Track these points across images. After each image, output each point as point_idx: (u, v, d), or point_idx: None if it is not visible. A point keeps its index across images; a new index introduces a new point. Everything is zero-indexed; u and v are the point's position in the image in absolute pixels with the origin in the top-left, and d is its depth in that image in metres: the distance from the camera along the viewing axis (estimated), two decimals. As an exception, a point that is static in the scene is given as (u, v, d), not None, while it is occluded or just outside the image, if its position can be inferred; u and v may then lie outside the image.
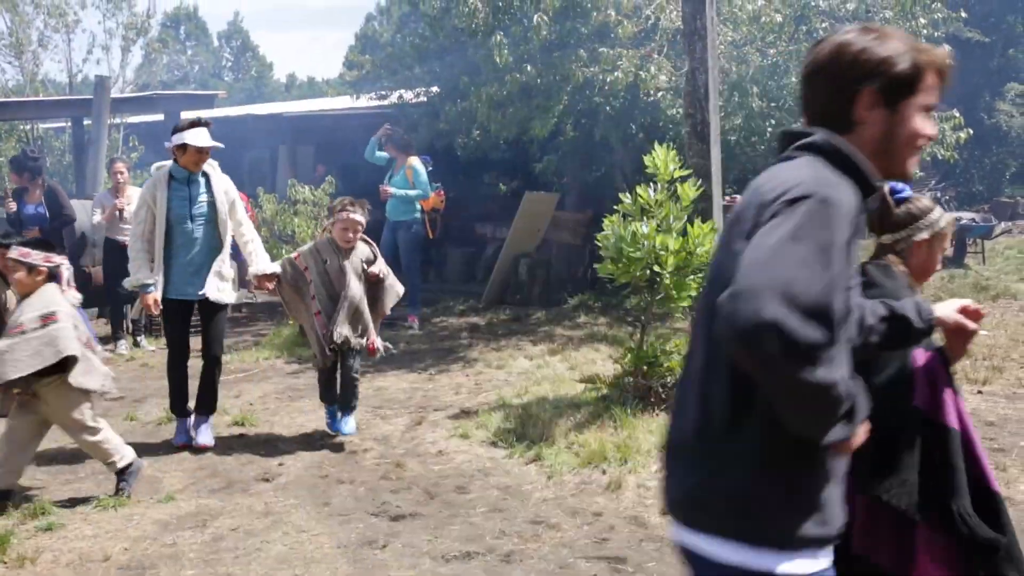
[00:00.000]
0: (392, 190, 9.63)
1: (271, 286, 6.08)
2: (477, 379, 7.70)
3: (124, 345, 9.36)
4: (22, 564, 4.23)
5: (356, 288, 5.90)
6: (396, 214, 9.73)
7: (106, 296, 9.48)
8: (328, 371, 6.05)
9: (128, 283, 6.03)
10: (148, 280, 5.91)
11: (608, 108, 9.87)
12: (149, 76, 18.28)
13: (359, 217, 5.93)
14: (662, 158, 5.89)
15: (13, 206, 9.06)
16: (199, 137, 5.82)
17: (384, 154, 9.93)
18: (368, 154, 9.95)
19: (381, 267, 6.13)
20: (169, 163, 5.94)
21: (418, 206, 9.87)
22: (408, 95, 12.32)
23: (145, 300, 5.90)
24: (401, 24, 34.79)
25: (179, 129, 5.87)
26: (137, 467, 5.18)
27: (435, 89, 11.81)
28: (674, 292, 5.87)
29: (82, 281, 9.24)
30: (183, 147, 5.83)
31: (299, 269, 6.00)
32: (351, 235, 5.90)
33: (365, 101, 13.16)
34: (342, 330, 5.83)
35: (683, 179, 5.96)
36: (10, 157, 9.31)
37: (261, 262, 6.11)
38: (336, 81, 49.67)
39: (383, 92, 12.82)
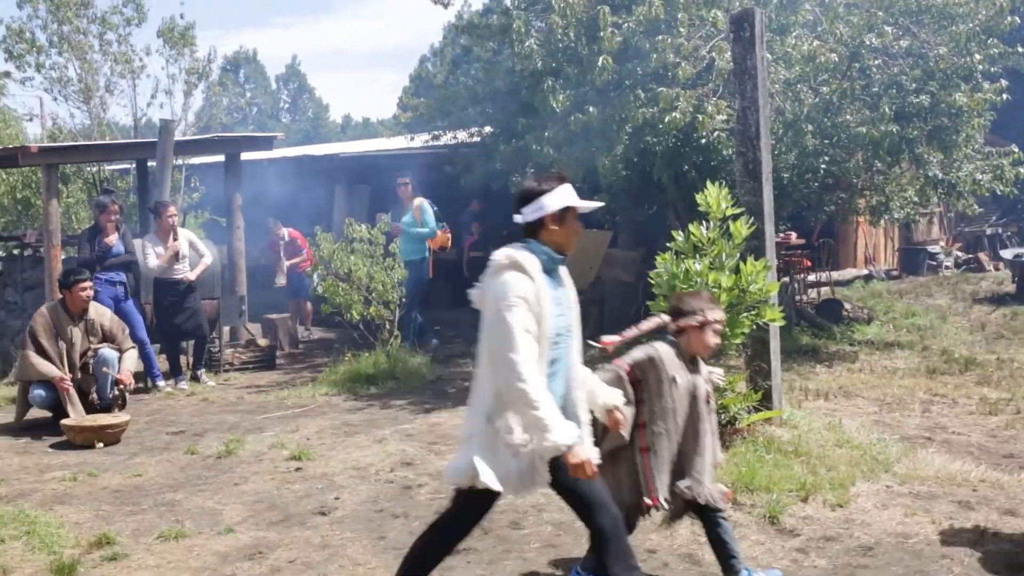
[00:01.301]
0: (402, 227, 10.61)
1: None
2: (530, 416, 7.72)
3: (183, 381, 9.57)
4: (88, 592, 4.35)
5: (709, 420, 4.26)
6: (407, 253, 10.46)
7: (162, 332, 9.69)
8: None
9: (546, 442, 3.44)
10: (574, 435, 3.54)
11: (659, 148, 9.93)
12: (210, 118, 18.75)
13: (721, 314, 4.41)
14: (715, 196, 5.92)
15: (111, 240, 9.28)
16: (574, 196, 3.71)
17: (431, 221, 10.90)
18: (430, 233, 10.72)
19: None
20: (522, 249, 3.57)
21: (426, 245, 10.80)
22: (462, 135, 12.51)
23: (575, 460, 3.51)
24: (454, 65, 35.31)
25: (537, 192, 3.62)
26: None
27: (488, 129, 11.97)
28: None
29: (145, 317, 9.54)
30: (563, 214, 3.63)
31: (626, 383, 4.29)
32: (717, 341, 4.32)
33: (419, 142, 13.38)
34: (706, 486, 4.16)
35: (735, 217, 5.99)
36: (96, 199, 9.63)
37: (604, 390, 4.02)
38: (390, 122, 50.50)
39: (437, 132, 13.03)
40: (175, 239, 9.48)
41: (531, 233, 3.61)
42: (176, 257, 9.44)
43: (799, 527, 5.00)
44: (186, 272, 9.57)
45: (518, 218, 3.62)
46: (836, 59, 9.25)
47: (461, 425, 3.81)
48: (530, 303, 3.44)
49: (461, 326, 13.42)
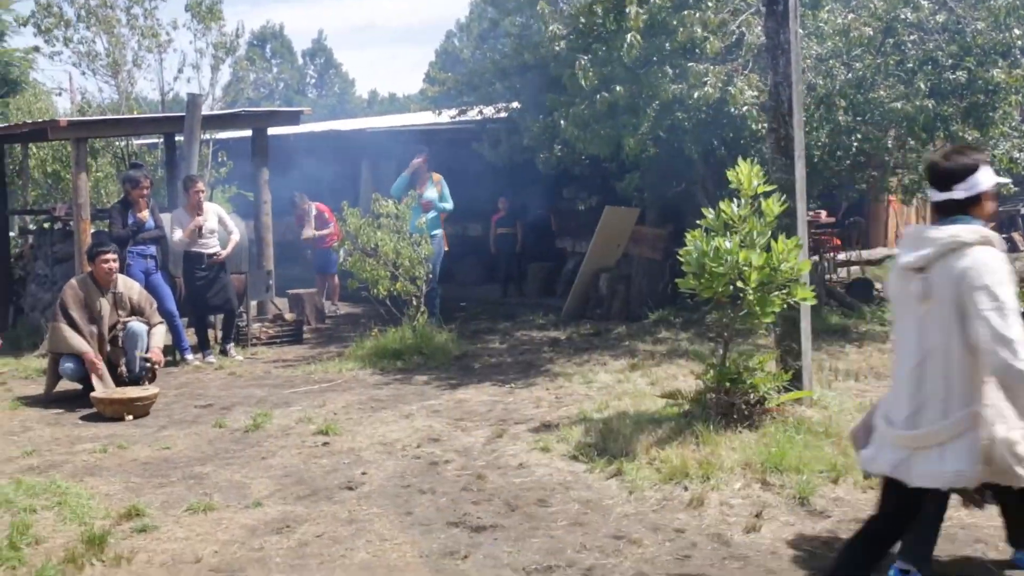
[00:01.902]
0: (432, 203, 10.55)
1: None
2: (558, 393, 7.71)
3: (211, 355, 9.62)
4: (118, 563, 4.38)
5: None
6: (431, 227, 10.33)
7: (191, 306, 9.75)
8: None
9: None
10: None
11: (689, 124, 9.82)
12: (237, 93, 18.74)
13: None
14: (746, 173, 5.84)
15: (144, 216, 9.34)
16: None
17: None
18: (399, 191, 10.39)
19: None
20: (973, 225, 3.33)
21: (439, 219, 10.79)
22: (489, 110, 12.42)
23: None
24: (481, 40, 35.10)
25: (971, 168, 3.37)
26: None
27: (516, 104, 11.88)
28: (757, 308, 5.79)
29: (174, 290, 9.59)
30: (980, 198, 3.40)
31: None
32: None
33: (446, 117, 13.32)
34: None
35: (767, 194, 5.90)
36: (127, 173, 9.65)
37: None
38: (416, 97, 50.37)
39: (464, 108, 12.95)
40: (201, 213, 9.51)
41: (961, 209, 3.38)
42: (200, 232, 9.47)
43: (829, 508, 4.95)
44: (215, 246, 9.60)
45: (941, 196, 3.40)
46: (870, 33, 9.09)
47: (917, 424, 3.33)
48: (1013, 281, 3.24)
49: (487, 302, 13.42)
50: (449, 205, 10.81)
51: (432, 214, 10.55)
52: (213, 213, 9.73)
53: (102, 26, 15.77)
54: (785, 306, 5.97)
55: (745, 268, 5.67)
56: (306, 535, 4.75)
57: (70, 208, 10.92)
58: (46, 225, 12.48)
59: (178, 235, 9.44)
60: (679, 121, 9.66)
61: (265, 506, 5.19)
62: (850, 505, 4.98)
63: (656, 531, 4.73)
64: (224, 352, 9.78)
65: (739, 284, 5.76)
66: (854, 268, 13.47)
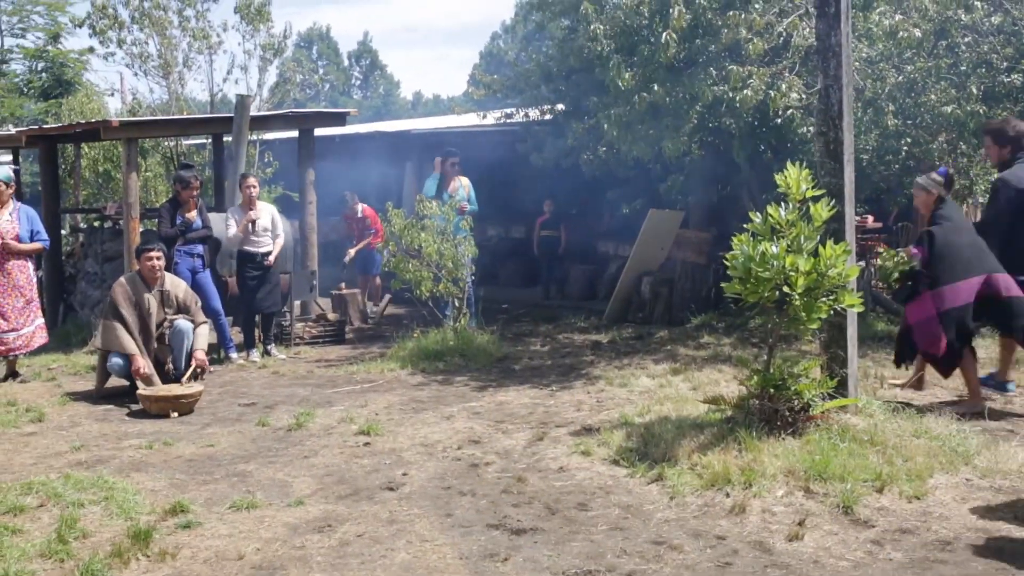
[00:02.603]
0: (467, 206, 10.51)
1: None
2: (599, 396, 7.68)
3: (256, 353, 9.72)
4: (163, 559, 4.44)
5: None
6: (459, 230, 10.20)
7: (240, 305, 9.89)
8: None
9: None
10: None
11: (734, 127, 9.74)
12: (283, 94, 18.95)
13: None
14: (794, 177, 5.77)
15: (192, 216, 9.49)
16: None
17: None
18: (429, 194, 10.41)
19: None
20: None
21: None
22: (534, 113, 12.43)
23: None
24: (526, 42, 35.12)
25: None
26: None
27: (560, 107, 11.87)
28: (803, 314, 5.72)
29: (220, 289, 9.71)
30: None
31: None
32: None
33: (491, 119, 13.34)
34: None
35: (815, 199, 5.83)
36: (177, 173, 9.80)
37: None
38: (460, 99, 50.55)
39: (509, 111, 12.97)
40: (253, 208, 9.65)
41: None
42: (253, 228, 9.60)
43: (874, 518, 4.87)
44: (268, 245, 9.73)
45: None
46: (919, 35, 8.94)
47: None
48: None
49: (529, 305, 13.41)
50: (475, 207, 10.85)
51: (460, 218, 10.52)
52: (267, 212, 9.85)
53: (155, 28, 16.04)
54: (831, 312, 5.88)
55: (792, 273, 5.60)
56: (347, 535, 4.78)
57: (120, 207, 11.11)
58: (96, 224, 12.72)
59: (232, 230, 9.57)
60: (725, 125, 9.59)
61: (307, 505, 5.22)
62: (895, 515, 4.89)
63: (697, 537, 4.69)
64: (267, 352, 9.88)
65: (785, 289, 5.69)
66: (902, 274, 13.25)
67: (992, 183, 7.46)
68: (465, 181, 10.87)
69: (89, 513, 5.01)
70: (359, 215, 13.17)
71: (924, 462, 5.48)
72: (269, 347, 9.94)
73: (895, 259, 6.77)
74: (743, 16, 8.83)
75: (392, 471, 5.83)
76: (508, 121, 13.05)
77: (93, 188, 15.73)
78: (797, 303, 5.71)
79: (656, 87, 9.06)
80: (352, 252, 12.95)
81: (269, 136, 16.00)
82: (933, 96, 9.37)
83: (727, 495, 5.16)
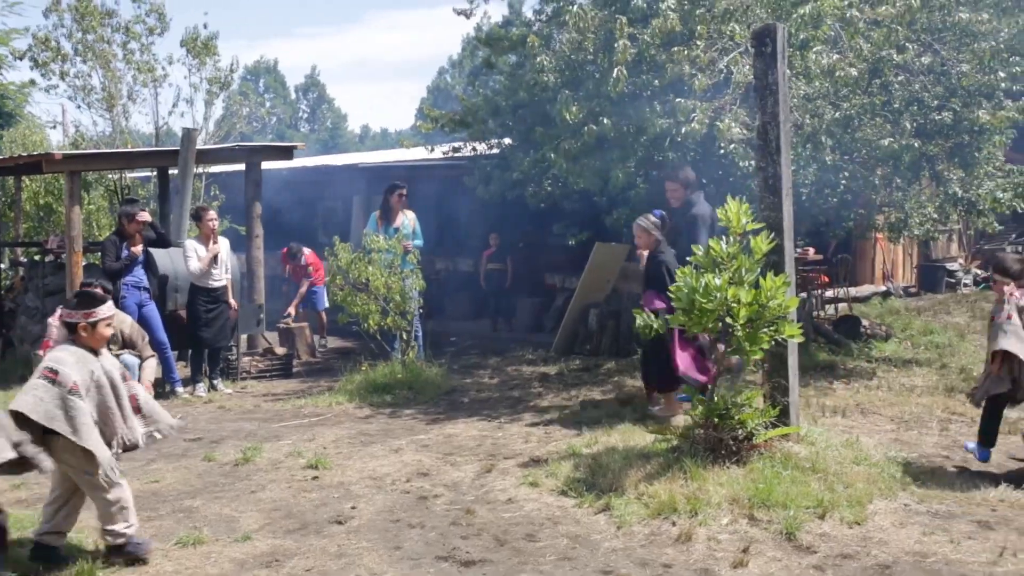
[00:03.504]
0: (411, 244, 10.37)
1: None
2: (547, 428, 7.74)
3: (202, 388, 9.63)
4: (107, 597, 4.38)
5: None
6: (407, 263, 10.15)
7: (188, 340, 9.79)
8: None
9: None
10: None
11: (678, 161, 9.93)
12: (230, 127, 18.85)
13: None
14: (735, 211, 5.93)
15: (137, 251, 9.42)
16: None
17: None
18: (372, 228, 10.43)
19: None
20: None
21: None
22: (481, 147, 12.53)
23: None
24: (473, 77, 35.41)
25: None
26: (136, 546, 4.86)
27: (507, 141, 11.99)
28: (746, 344, 5.85)
29: (168, 324, 9.60)
30: None
31: None
32: None
33: (439, 153, 13.43)
34: None
35: (755, 232, 5.99)
36: (123, 208, 9.71)
37: None
38: (408, 132, 50.71)
39: (457, 144, 13.06)
40: (215, 242, 9.61)
41: None
42: (215, 260, 9.56)
43: (816, 544, 4.97)
44: (223, 279, 9.69)
45: None
46: (855, 74, 9.23)
47: None
48: None
49: (476, 337, 13.45)
50: (420, 242, 10.86)
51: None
52: (224, 245, 9.81)
53: (98, 60, 15.87)
54: (773, 342, 6.03)
55: (734, 305, 5.74)
56: (295, 569, 4.76)
57: (62, 240, 10.95)
58: (37, 257, 12.51)
59: (194, 264, 9.49)
60: (668, 158, 9.78)
61: (255, 540, 5.19)
62: (836, 541, 5.01)
63: (644, 566, 4.75)
64: (213, 386, 9.78)
65: (728, 320, 5.83)
66: (841, 305, 13.57)
67: (689, 217, 8.31)
68: (411, 215, 10.90)
69: (27, 553, 4.92)
70: (303, 263, 13.16)
71: (864, 488, 5.62)
72: (215, 381, 9.84)
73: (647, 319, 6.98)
74: (686, 52, 9.05)
75: (340, 504, 5.81)
76: (455, 155, 13.14)
77: (34, 221, 15.46)
78: (739, 334, 5.84)
79: (604, 120, 9.22)
80: (293, 311, 12.88)
81: (215, 169, 15.90)
82: (869, 131, 9.66)
83: (673, 524, 5.24)
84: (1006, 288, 6.17)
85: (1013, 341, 5.96)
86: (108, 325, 4.90)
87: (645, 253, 8.05)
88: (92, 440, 4.60)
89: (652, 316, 6.58)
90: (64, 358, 4.68)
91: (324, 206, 15.87)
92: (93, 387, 4.72)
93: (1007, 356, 6.00)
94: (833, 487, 5.64)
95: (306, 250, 13.27)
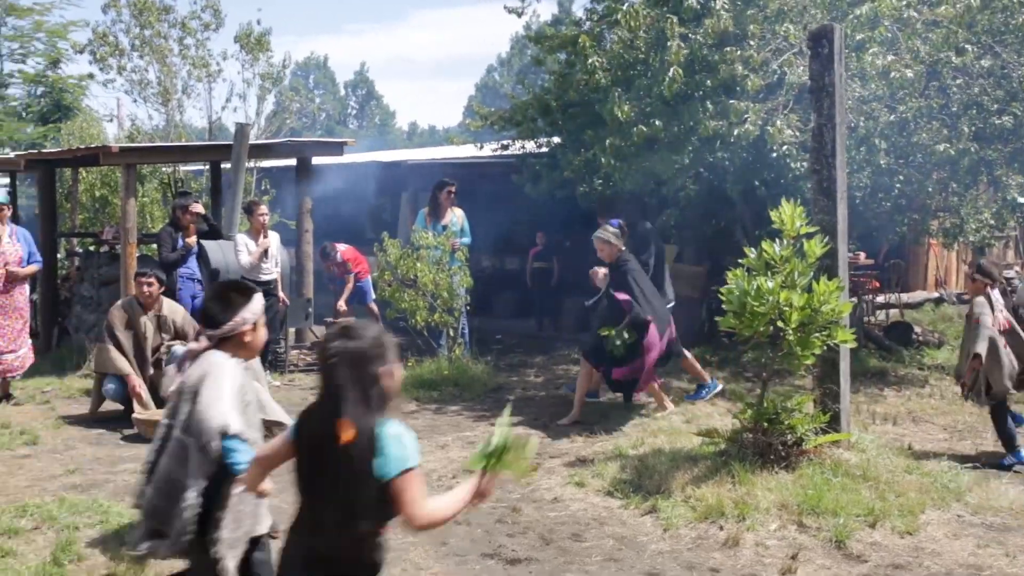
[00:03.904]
0: (459, 242, 10.35)
1: None
2: (593, 428, 7.71)
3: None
4: (158, 583, 4.45)
5: None
6: (454, 260, 10.18)
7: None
8: None
9: None
10: None
11: (728, 163, 9.85)
12: (281, 123, 19.06)
13: None
14: (789, 214, 5.86)
15: (192, 241, 9.57)
16: None
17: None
18: (420, 225, 10.45)
19: None
20: None
21: None
22: (530, 145, 12.53)
23: None
24: (522, 75, 35.43)
25: None
26: None
27: (556, 140, 11.98)
28: (797, 349, 5.79)
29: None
30: None
31: None
32: None
33: (488, 150, 13.45)
34: None
35: (809, 235, 5.91)
36: (177, 201, 9.85)
37: None
38: (456, 129, 50.89)
39: (505, 142, 13.07)
40: (265, 237, 9.71)
41: None
42: (265, 254, 9.67)
43: (866, 553, 4.91)
44: (273, 271, 9.79)
45: None
46: (912, 76, 9.09)
47: None
48: None
49: (522, 335, 13.45)
50: (468, 239, 10.82)
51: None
52: (274, 239, 9.91)
53: (155, 55, 16.14)
54: (825, 347, 5.95)
55: (786, 308, 5.68)
56: (342, 562, 4.79)
57: (116, 232, 11.15)
58: (92, 248, 12.75)
59: (245, 258, 9.61)
60: (719, 159, 9.70)
61: (302, 531, 5.23)
62: (888, 550, 4.94)
63: (691, 569, 4.72)
64: (259, 379, 9.88)
65: (779, 324, 5.76)
66: (893, 311, 13.37)
67: (644, 232, 8.83)
68: (459, 212, 10.90)
69: (84, 536, 5.02)
70: (338, 260, 13.23)
71: (916, 498, 5.53)
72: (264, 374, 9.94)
73: (615, 333, 7.58)
74: (739, 52, 8.97)
75: (387, 499, 5.84)
76: (504, 153, 13.15)
77: (90, 213, 15.75)
78: (791, 338, 5.78)
79: (655, 120, 9.17)
80: (343, 306, 12.95)
81: (266, 164, 16.08)
82: (925, 135, 9.50)
83: (720, 528, 5.20)
84: (990, 290, 6.79)
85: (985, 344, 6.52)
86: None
87: (601, 274, 8.00)
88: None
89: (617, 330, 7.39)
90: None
91: (372, 202, 15.95)
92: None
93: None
94: (884, 495, 5.56)
95: (340, 247, 13.29)
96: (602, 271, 8.00)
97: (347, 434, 2.78)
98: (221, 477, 3.42)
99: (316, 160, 12.27)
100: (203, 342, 3.66)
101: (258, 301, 3.76)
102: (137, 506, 3.65)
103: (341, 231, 14.35)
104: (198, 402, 3.46)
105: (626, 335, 7.56)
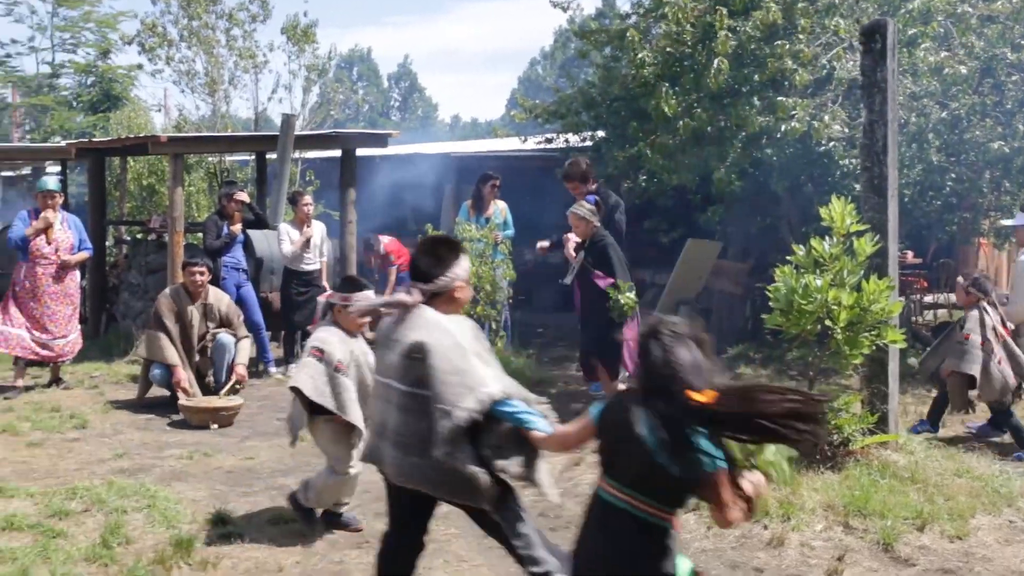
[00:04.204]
0: (501, 235, 10.32)
1: None
2: (634, 424, 7.66)
3: (294, 369, 9.80)
4: (204, 568, 4.50)
5: None
6: (497, 253, 10.16)
7: (282, 321, 9.98)
8: None
9: None
10: None
11: (775, 158, 9.74)
12: (325, 114, 19.18)
13: None
14: (839, 211, 5.78)
15: (237, 229, 9.65)
16: None
17: None
18: (463, 218, 10.46)
19: None
20: None
21: None
22: (574, 139, 12.49)
23: None
24: (565, 68, 35.30)
25: None
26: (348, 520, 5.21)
27: (601, 134, 11.93)
28: (846, 348, 5.71)
29: (262, 306, 9.81)
30: None
31: None
32: None
33: (532, 143, 13.43)
34: None
35: (859, 233, 5.83)
36: (223, 190, 9.91)
37: None
38: (498, 123, 50.94)
39: (549, 136, 13.04)
40: (308, 227, 9.77)
41: None
42: (307, 244, 9.71)
43: (915, 556, 4.84)
44: (316, 261, 9.84)
45: None
46: (965, 72, 8.92)
47: None
48: None
49: (563, 329, 13.42)
50: (511, 232, 10.84)
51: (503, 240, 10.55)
52: (318, 229, 9.96)
53: (202, 46, 16.29)
54: (873, 347, 5.87)
55: (834, 307, 5.60)
56: (385, 552, 4.80)
57: (164, 220, 11.28)
58: (140, 236, 12.92)
59: (287, 247, 9.67)
60: (766, 155, 9.59)
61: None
62: (936, 554, 4.86)
63: (734, 568, 4.68)
64: (305, 367, 9.94)
65: (827, 323, 5.69)
66: (940, 311, 13.15)
67: (615, 206, 8.51)
68: (502, 205, 10.91)
69: (132, 520, 5.09)
70: (381, 252, 13.28)
71: (966, 502, 5.44)
72: (307, 363, 10.01)
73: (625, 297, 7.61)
74: (788, 46, 8.86)
75: (429, 490, 5.86)
76: (548, 146, 13.12)
77: (137, 201, 15.95)
78: (839, 337, 5.70)
79: (701, 114, 9.08)
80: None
81: (310, 155, 16.18)
82: (978, 132, 9.33)
83: (765, 527, 5.15)
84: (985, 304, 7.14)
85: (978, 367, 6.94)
86: (361, 315, 4.88)
87: (572, 242, 7.94)
88: (355, 416, 4.81)
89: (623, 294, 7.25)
90: (328, 338, 4.85)
91: (415, 194, 15.98)
92: (353, 365, 4.90)
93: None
94: (933, 499, 5.47)
95: (383, 238, 13.35)
96: (573, 239, 7.92)
97: (707, 396, 2.75)
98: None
99: (360, 152, 12.31)
100: (415, 295, 3.63)
101: (466, 259, 3.78)
102: (375, 460, 3.70)
103: (383, 223, 14.41)
104: (433, 367, 3.44)
105: (630, 293, 7.62)
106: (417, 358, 3.46)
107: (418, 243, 3.96)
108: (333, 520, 5.16)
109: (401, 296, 3.64)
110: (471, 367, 3.47)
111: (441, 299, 3.63)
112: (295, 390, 4.80)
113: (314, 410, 4.85)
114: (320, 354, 4.78)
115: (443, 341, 3.48)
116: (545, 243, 8.82)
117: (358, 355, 4.91)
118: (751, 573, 4.63)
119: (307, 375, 4.76)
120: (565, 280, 8.34)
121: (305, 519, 5.01)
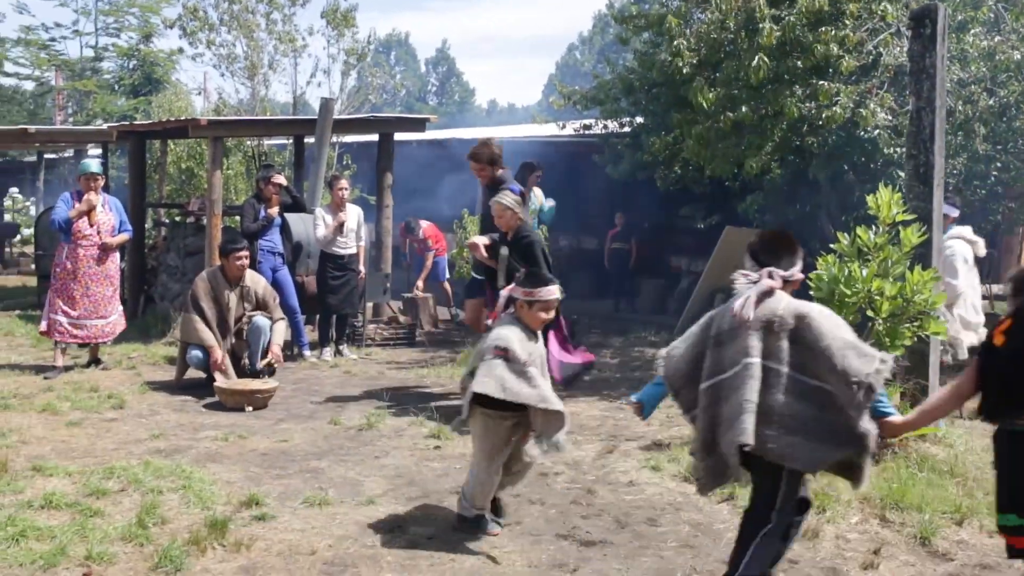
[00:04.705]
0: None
1: None
2: (669, 412, 7.59)
3: (329, 352, 9.86)
4: (238, 549, 4.52)
5: None
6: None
7: (317, 305, 10.03)
8: None
9: None
10: None
11: (816, 146, 9.59)
12: (363, 98, 19.22)
13: None
14: (885, 200, 5.66)
15: (274, 212, 9.67)
16: None
17: None
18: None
19: None
20: None
21: None
22: (612, 125, 12.41)
23: None
24: (603, 54, 35.09)
25: None
26: (486, 524, 4.91)
27: (639, 120, 11.83)
28: (887, 339, 5.61)
29: (297, 289, 9.86)
30: None
31: None
32: None
33: (570, 129, 13.37)
34: None
35: (905, 223, 5.71)
36: (261, 173, 9.92)
37: None
38: (535, 108, 50.75)
39: (588, 122, 12.97)
40: (343, 211, 9.79)
41: None
42: (341, 229, 9.73)
43: (952, 551, 4.75)
44: (351, 247, 9.85)
45: None
46: (1018, 58, 8.72)
47: None
48: None
49: (598, 316, 13.38)
50: (552, 204, 10.90)
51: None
52: (354, 213, 9.97)
53: (242, 30, 16.39)
54: (915, 339, 5.76)
55: (877, 297, 5.50)
56: (416, 536, 4.81)
57: (203, 203, 11.36)
58: (179, 219, 13.04)
59: (321, 231, 9.70)
60: (807, 143, 9.45)
61: (378, 504, 5.27)
62: (975, 549, 4.77)
63: (769, 561, 4.61)
64: (339, 351, 10.00)
65: (869, 313, 5.59)
66: (983, 301, 12.90)
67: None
68: (538, 192, 10.90)
69: (168, 500, 5.13)
70: (420, 236, 13.28)
71: (1007, 497, 5.32)
72: (342, 347, 10.06)
73: None
74: (834, 33, 8.70)
75: (462, 475, 5.83)
76: (586, 132, 13.04)
77: (177, 184, 16.12)
78: (880, 328, 5.60)
79: (743, 107, 8.94)
80: (421, 284, 13.00)
81: (348, 139, 16.23)
82: (1029, 121, 9.14)
83: (801, 519, 5.07)
84: None
85: None
86: (545, 310, 4.75)
87: (482, 245, 7.30)
88: (558, 403, 4.64)
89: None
90: (510, 336, 4.66)
91: (451, 179, 15.98)
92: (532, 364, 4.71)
93: None
94: (972, 493, 5.37)
95: (423, 223, 13.36)
96: (482, 241, 7.31)
97: None
98: None
99: (397, 136, 12.32)
100: (777, 280, 3.82)
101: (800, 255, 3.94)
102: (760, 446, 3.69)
103: (420, 208, 14.42)
104: (828, 348, 3.63)
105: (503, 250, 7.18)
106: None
107: (772, 234, 4.07)
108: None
109: (766, 280, 3.83)
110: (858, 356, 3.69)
111: (787, 287, 3.88)
112: (477, 395, 4.56)
113: (479, 402, 4.63)
114: (504, 353, 4.58)
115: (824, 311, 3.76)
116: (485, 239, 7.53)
117: (536, 358, 4.72)
118: (785, 565, 4.56)
119: (496, 378, 4.52)
120: (499, 287, 6.90)
121: (478, 528, 4.85)
